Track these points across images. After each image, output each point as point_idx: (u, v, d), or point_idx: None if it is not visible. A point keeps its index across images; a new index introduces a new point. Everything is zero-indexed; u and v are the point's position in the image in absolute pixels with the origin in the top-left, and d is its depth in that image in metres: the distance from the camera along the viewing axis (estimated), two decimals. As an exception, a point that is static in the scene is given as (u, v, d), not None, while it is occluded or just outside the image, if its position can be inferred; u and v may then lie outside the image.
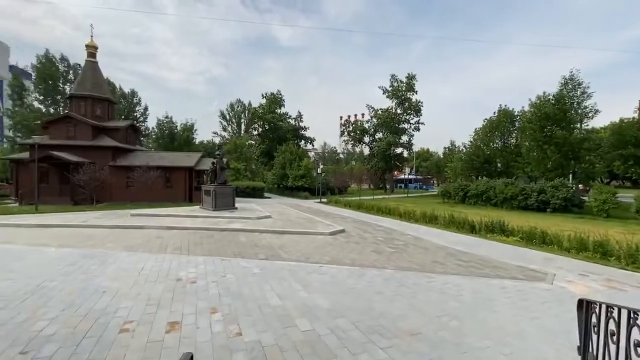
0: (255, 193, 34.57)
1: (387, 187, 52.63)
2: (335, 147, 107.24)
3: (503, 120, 34.61)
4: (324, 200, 31.46)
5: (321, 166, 35.74)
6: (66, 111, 29.66)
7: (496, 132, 36.07)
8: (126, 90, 57.94)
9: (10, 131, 42.06)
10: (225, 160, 19.13)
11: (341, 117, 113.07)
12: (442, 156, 61.51)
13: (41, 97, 43.68)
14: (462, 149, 39.78)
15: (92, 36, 28.02)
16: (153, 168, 24.72)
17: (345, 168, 60.48)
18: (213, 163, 18.22)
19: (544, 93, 29.07)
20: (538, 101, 28.08)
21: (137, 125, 49.59)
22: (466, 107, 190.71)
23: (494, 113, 36.27)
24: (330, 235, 12.13)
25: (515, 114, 35.05)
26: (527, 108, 31.49)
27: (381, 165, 49.21)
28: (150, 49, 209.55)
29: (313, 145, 69.01)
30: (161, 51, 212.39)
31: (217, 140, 65.69)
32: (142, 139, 51.91)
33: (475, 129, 37.97)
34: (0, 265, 7.78)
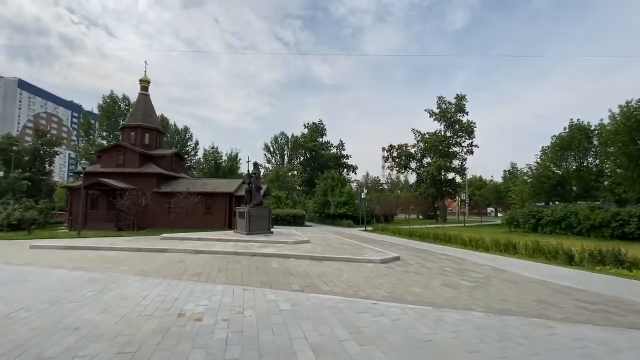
0: (295, 221, 32.91)
1: (439, 215, 48.20)
2: (378, 177, 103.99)
3: (577, 136, 29.85)
4: (369, 228, 28.79)
5: (365, 191, 33.36)
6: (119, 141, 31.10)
7: (568, 152, 31.16)
8: (180, 127, 61.94)
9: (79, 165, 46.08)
10: (265, 188, 17.84)
11: (383, 149, 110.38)
12: (501, 181, 55.20)
13: (105, 134, 47.68)
14: (528, 171, 34.91)
15: (145, 72, 29.87)
16: (193, 194, 24.33)
17: (391, 196, 57.09)
18: (249, 183, 16.96)
19: (629, 101, 24.65)
20: (625, 109, 23.67)
21: (187, 158, 52.00)
22: (517, 134, 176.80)
23: (565, 129, 31.58)
24: (383, 264, 9.74)
25: (592, 128, 30.18)
26: (607, 121, 26.98)
27: (431, 192, 45.26)
28: (206, 94, 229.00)
29: (356, 174, 67.08)
30: (215, 95, 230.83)
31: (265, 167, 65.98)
32: (193, 170, 54.05)
33: (543, 147, 33.29)
34: (-8, 288, 6.63)
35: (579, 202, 27.56)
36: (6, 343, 3.95)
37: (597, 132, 29.46)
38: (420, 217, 59.86)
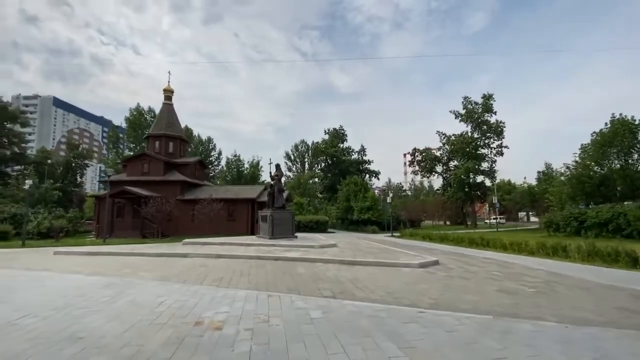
0: (318, 227, 32.10)
1: (469, 220, 45.89)
2: (400, 183, 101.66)
3: (620, 131, 27.41)
4: (396, 234, 27.56)
5: (390, 194, 32.17)
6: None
7: (610, 149, 28.67)
8: (203, 138, 63.13)
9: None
10: (287, 193, 17.18)
11: (405, 155, 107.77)
12: (534, 183, 51.91)
13: (132, 145, 49.15)
14: (565, 171, 32.43)
15: (169, 81, 30.48)
16: (216, 201, 24.14)
17: (415, 201, 55.13)
18: (271, 185, 16.39)
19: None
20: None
21: (210, 167, 52.59)
22: (543, 137, 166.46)
23: (606, 124, 29.17)
24: (421, 268, 8.77)
25: (637, 122, 27.65)
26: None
27: (460, 196, 43.20)
28: (227, 106, 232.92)
29: (378, 179, 65.65)
30: (235, 107, 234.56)
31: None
32: (216, 179, 54.61)
33: (582, 144, 30.88)
34: (4, 294, 6.30)
35: (625, 203, 25.22)
36: (6, 350, 3.45)
37: (643, 125, 26.98)
38: (448, 222, 57.50)
